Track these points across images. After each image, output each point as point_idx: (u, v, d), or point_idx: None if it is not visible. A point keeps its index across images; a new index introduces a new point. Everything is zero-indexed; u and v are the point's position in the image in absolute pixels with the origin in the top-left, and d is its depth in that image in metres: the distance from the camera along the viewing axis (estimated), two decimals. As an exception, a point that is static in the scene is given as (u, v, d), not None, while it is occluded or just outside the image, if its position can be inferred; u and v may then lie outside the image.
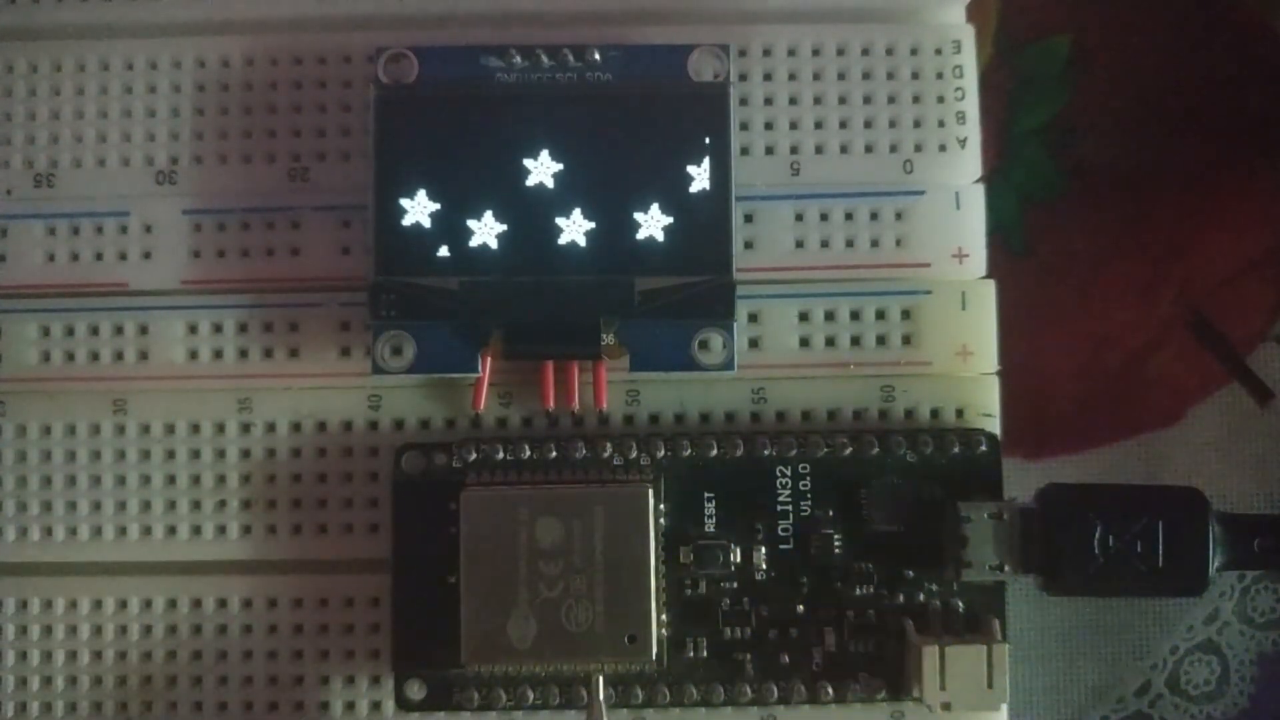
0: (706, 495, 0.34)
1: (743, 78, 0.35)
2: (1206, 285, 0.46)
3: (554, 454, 0.34)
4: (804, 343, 0.35)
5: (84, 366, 0.35)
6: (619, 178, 0.34)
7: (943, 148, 0.35)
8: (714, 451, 0.34)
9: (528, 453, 0.34)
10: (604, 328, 0.34)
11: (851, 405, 0.35)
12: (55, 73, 0.36)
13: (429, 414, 0.35)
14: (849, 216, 0.35)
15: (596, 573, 0.33)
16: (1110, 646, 0.45)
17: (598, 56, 0.34)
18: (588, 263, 0.33)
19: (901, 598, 0.34)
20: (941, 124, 0.35)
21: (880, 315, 0.35)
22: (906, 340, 0.35)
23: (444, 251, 0.33)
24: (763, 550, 0.34)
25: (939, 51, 0.36)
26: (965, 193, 0.35)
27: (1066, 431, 0.46)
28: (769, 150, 0.35)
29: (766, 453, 0.34)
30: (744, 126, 0.35)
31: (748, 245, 0.35)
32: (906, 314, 0.35)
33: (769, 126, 0.35)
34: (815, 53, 0.36)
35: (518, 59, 0.34)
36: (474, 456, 0.34)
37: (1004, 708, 0.33)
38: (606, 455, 0.34)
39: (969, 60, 0.36)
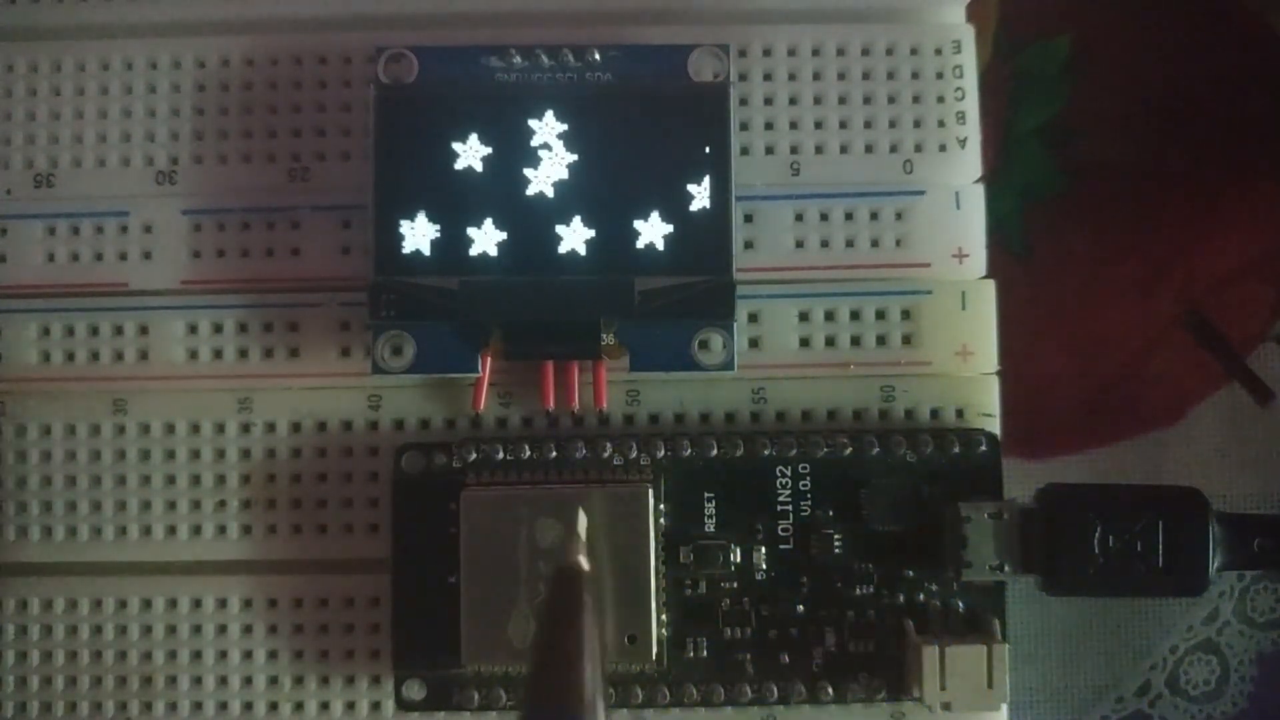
0: (706, 495, 0.34)
1: (743, 78, 0.35)
2: (1206, 285, 0.46)
3: (554, 454, 0.34)
4: (804, 343, 0.35)
5: (84, 366, 0.35)
6: (619, 177, 0.34)
7: (943, 148, 0.35)
8: (714, 451, 0.34)
9: (528, 453, 0.34)
10: (604, 328, 0.34)
11: (851, 405, 0.35)
12: (55, 73, 0.36)
13: (429, 414, 0.35)
14: (849, 216, 0.35)
15: (596, 573, 0.33)
16: (1110, 646, 0.46)
17: (598, 56, 0.34)
18: (588, 262, 0.33)
19: (901, 598, 0.34)
20: (941, 124, 0.35)
21: (880, 315, 0.35)
22: (906, 340, 0.35)
23: (444, 250, 0.33)
24: (763, 550, 0.34)
25: (939, 51, 0.36)
26: (965, 193, 0.35)
27: (1066, 431, 0.46)
28: (769, 150, 0.35)
29: (766, 453, 0.34)
30: (744, 126, 0.35)
31: (748, 245, 0.35)
32: (906, 314, 0.35)
33: (769, 126, 0.35)
34: (815, 53, 0.36)
35: (518, 59, 0.34)
36: (474, 456, 0.34)
37: (1004, 708, 0.33)
38: (606, 455, 0.34)
39: (969, 60, 0.36)
